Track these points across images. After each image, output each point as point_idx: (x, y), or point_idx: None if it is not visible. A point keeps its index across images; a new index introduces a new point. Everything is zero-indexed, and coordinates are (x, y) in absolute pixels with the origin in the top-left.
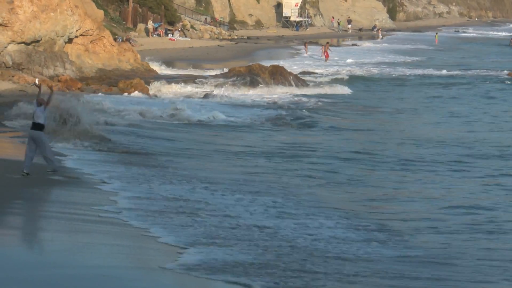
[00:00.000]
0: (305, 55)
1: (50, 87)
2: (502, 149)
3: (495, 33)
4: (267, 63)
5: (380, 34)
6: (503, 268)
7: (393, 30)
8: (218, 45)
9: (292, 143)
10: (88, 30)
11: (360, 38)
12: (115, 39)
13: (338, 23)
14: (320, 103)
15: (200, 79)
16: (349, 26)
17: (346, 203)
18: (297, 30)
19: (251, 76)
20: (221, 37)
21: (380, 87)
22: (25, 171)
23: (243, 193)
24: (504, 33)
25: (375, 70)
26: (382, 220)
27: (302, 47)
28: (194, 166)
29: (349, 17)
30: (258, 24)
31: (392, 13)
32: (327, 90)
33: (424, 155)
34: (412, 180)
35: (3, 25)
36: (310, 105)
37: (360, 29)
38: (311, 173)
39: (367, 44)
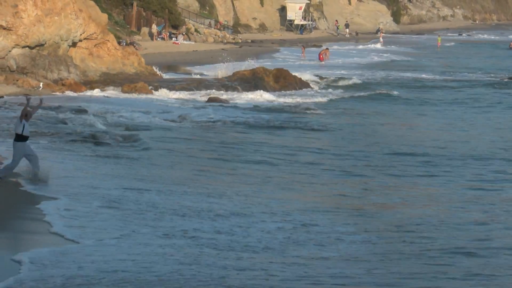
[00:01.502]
0: (303, 58)
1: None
2: None
3: (491, 37)
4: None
5: (381, 38)
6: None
7: (397, 33)
8: (222, 49)
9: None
10: (92, 34)
11: (356, 42)
12: (119, 43)
13: (337, 27)
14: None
15: (204, 83)
16: (347, 30)
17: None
18: (301, 33)
19: (255, 80)
20: (225, 41)
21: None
22: None
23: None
24: (493, 37)
25: (375, 75)
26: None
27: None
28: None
29: (346, 21)
30: (262, 27)
31: (396, 16)
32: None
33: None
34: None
35: (7, 29)
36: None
37: (357, 33)
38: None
39: (364, 47)
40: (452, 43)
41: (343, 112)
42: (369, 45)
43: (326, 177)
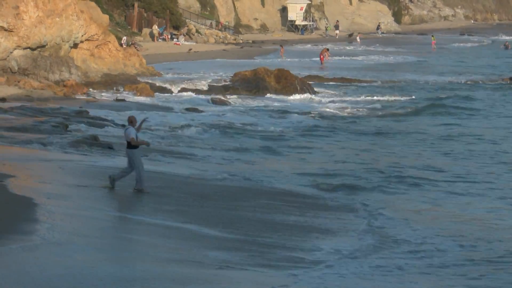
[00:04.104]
0: (281, 59)
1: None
2: None
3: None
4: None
5: (358, 38)
6: None
7: (399, 33)
8: (223, 49)
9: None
10: (94, 35)
11: (350, 43)
12: (120, 44)
13: (326, 28)
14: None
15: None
16: (337, 31)
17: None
18: (302, 34)
19: (256, 80)
20: (226, 41)
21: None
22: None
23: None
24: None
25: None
26: None
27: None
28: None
29: (337, 22)
30: (263, 28)
31: (397, 16)
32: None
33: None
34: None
35: (9, 31)
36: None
37: (350, 35)
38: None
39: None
40: (452, 44)
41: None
42: (347, 47)
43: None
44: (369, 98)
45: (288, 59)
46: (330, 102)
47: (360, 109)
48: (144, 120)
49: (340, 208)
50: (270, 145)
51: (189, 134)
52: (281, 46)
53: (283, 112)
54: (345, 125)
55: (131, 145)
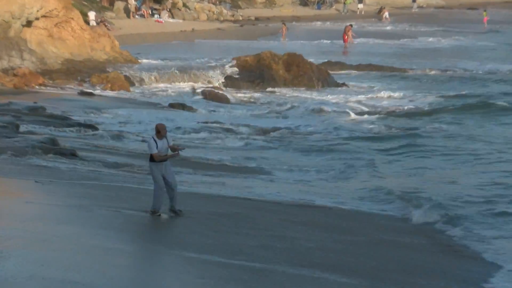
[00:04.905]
0: (283, 40)
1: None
2: None
3: None
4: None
5: (387, 14)
6: None
7: (442, 7)
8: (218, 28)
9: None
10: (52, 10)
11: (380, 20)
12: (87, 22)
13: (344, 3)
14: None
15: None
16: (360, 6)
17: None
18: (318, 8)
19: (260, 68)
20: (222, 18)
21: None
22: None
23: None
24: None
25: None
26: None
27: None
28: None
29: None
30: (269, 1)
31: None
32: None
33: None
34: None
35: None
36: None
37: (380, 10)
38: None
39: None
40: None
41: None
42: (376, 26)
43: None
44: (422, 94)
45: (301, 41)
46: (368, 97)
47: (419, 107)
48: (178, 150)
49: (452, 246)
50: (343, 158)
51: (230, 144)
52: (283, 24)
53: (319, 111)
54: (408, 124)
55: (152, 158)
